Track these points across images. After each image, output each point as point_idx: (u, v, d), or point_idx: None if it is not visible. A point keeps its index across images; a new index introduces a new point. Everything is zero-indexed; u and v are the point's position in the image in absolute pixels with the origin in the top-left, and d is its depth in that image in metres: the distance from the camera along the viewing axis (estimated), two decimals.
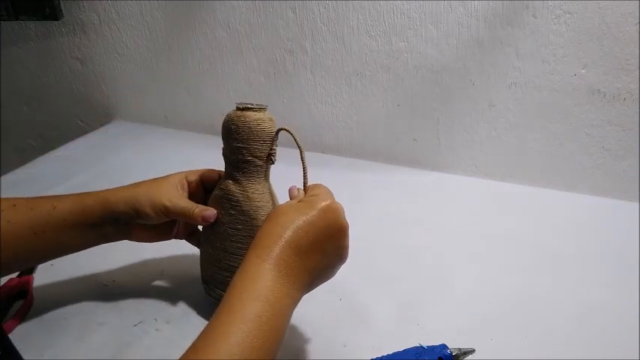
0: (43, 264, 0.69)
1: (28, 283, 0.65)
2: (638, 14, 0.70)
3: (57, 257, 0.57)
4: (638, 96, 0.74)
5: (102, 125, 1.16)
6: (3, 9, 1.02)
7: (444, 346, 0.52)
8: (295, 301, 0.44)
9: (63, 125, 1.22)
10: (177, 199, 0.56)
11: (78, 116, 1.20)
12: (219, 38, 0.98)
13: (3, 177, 0.92)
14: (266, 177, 0.58)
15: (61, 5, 1.04)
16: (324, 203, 0.47)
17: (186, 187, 0.59)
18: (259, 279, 0.41)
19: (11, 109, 1.24)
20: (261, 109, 0.56)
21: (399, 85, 0.88)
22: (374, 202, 0.83)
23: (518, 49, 0.78)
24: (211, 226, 0.57)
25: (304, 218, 0.45)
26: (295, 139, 0.54)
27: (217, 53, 1.00)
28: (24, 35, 1.13)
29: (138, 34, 1.04)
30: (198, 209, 0.56)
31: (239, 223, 0.56)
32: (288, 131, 0.54)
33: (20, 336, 0.57)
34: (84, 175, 0.92)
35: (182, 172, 0.60)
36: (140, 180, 0.59)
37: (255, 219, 0.56)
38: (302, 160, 0.54)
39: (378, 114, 0.92)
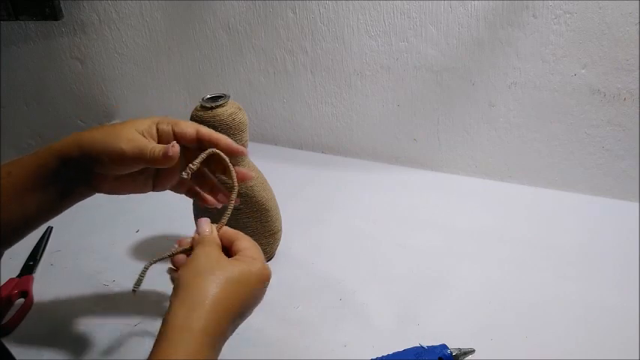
0: (43, 264, 0.70)
1: (28, 283, 0.65)
2: (638, 14, 0.70)
3: (32, 227, 0.50)
4: (638, 96, 0.74)
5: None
6: (3, 9, 1.02)
7: (444, 346, 0.52)
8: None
9: (63, 125, 1.21)
10: (137, 141, 0.47)
11: (78, 116, 1.20)
12: (219, 38, 0.98)
13: None
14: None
15: (61, 5, 1.04)
16: (265, 272, 0.45)
17: (155, 134, 0.49)
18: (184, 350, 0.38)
19: (11, 109, 1.24)
20: (225, 101, 0.59)
21: (399, 85, 0.88)
22: (374, 202, 0.83)
23: (518, 49, 0.78)
24: (208, 210, 0.55)
25: (246, 289, 0.43)
26: (228, 164, 0.49)
27: (217, 53, 1.00)
28: (24, 35, 1.13)
29: (138, 34, 1.04)
30: (158, 147, 0.46)
31: (239, 203, 0.59)
32: (219, 154, 0.49)
33: (20, 336, 0.57)
34: None
35: (153, 117, 0.50)
36: None
37: (253, 196, 0.61)
38: (233, 185, 0.49)
39: (378, 114, 0.92)
